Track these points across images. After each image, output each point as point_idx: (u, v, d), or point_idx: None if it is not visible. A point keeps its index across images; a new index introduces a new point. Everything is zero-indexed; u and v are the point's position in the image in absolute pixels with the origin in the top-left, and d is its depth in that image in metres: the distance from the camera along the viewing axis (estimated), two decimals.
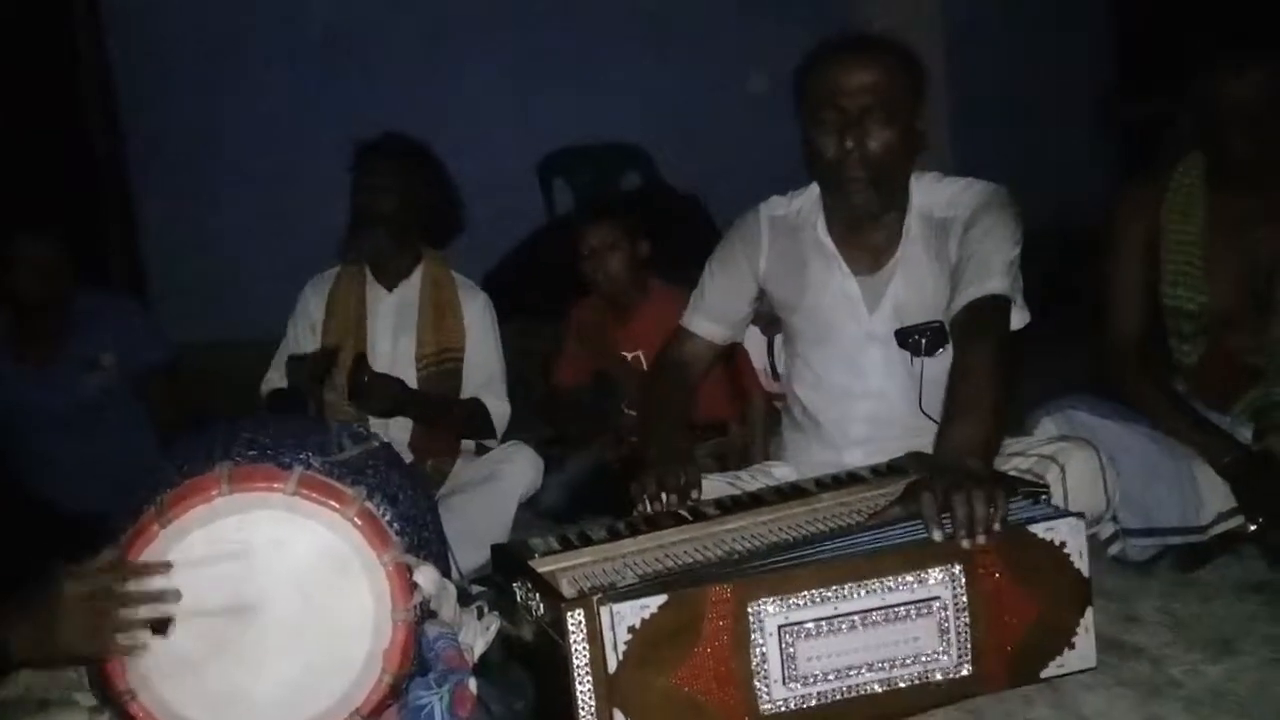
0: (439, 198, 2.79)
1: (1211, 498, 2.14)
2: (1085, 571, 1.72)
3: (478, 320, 2.81)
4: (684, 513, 1.94)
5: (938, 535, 1.65)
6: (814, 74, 2.06)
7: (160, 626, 1.51)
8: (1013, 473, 1.99)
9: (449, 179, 2.84)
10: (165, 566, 1.51)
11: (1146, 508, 2.13)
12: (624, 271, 3.02)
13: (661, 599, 1.56)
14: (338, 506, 1.56)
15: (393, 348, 2.76)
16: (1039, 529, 1.70)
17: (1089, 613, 1.74)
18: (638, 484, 2.00)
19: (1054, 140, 6.13)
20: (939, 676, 1.68)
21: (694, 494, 2.01)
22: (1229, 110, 2.14)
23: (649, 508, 1.98)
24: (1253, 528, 2.11)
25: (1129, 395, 2.26)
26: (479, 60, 5.59)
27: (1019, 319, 2.03)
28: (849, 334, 2.16)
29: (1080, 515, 1.75)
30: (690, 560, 1.73)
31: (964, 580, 1.67)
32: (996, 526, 1.64)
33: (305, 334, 2.83)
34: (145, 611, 1.50)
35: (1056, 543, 1.71)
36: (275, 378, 2.82)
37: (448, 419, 2.77)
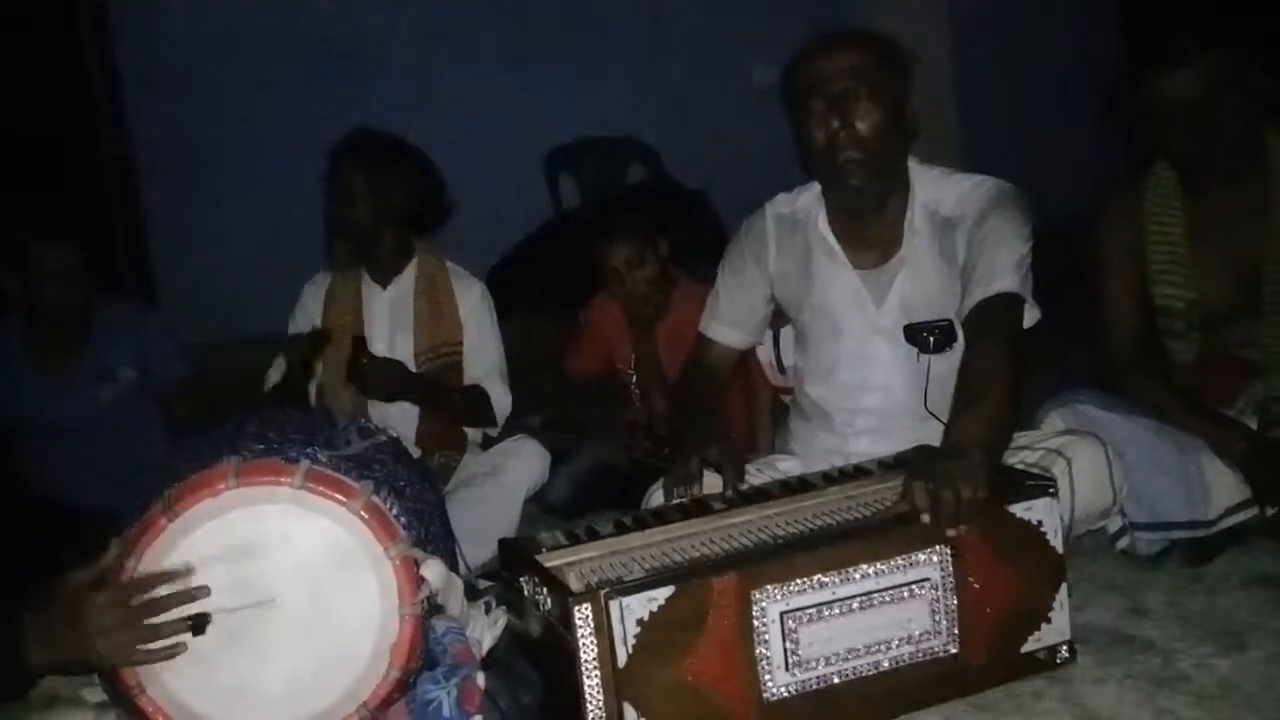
0: (413, 191, 2.70)
1: (1219, 492, 2.13)
2: (1060, 549, 1.78)
3: (475, 310, 2.78)
4: (691, 506, 1.94)
5: (926, 519, 1.69)
6: (797, 71, 2.08)
7: (198, 625, 1.51)
8: (1019, 466, 1.99)
9: (423, 166, 2.76)
10: (188, 571, 1.51)
11: (1153, 501, 2.13)
12: (652, 281, 2.96)
13: (669, 591, 1.56)
14: (344, 500, 1.56)
15: (389, 346, 2.74)
16: (1017, 509, 1.75)
17: (1064, 588, 1.80)
18: (680, 470, 2.01)
19: (1060, 134, 6.11)
20: (929, 656, 1.72)
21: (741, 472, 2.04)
22: (1173, 111, 2.14)
23: (691, 489, 1.99)
24: (1271, 512, 2.11)
25: (1134, 392, 2.26)
26: (481, 57, 5.57)
27: (1030, 317, 2.03)
28: (856, 328, 2.17)
29: (1054, 494, 1.79)
30: (697, 554, 1.73)
31: (950, 560, 1.71)
32: (974, 521, 1.68)
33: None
34: (178, 613, 1.49)
35: (1034, 521, 1.76)
36: (275, 375, 2.82)
37: (448, 404, 2.75)
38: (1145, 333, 2.32)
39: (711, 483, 2.05)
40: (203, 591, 1.50)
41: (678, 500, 1.99)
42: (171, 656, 1.50)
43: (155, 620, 1.48)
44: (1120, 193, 2.37)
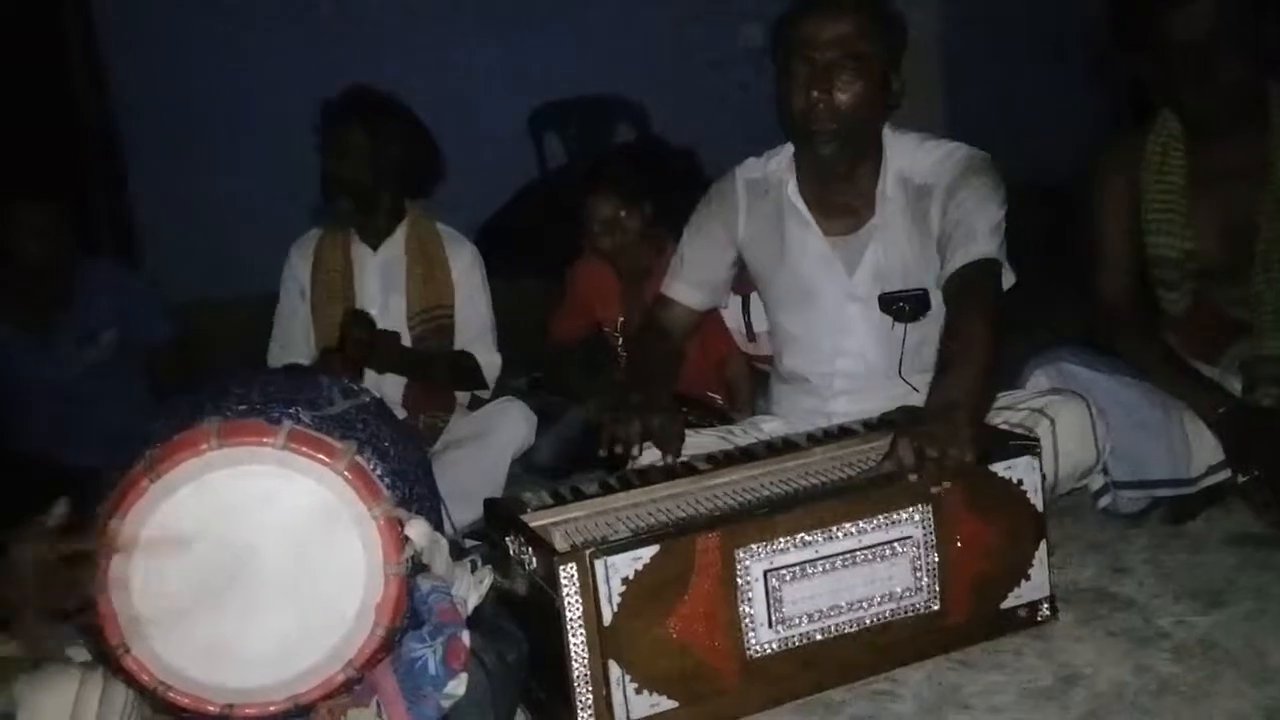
0: (410, 151, 2.69)
1: (1200, 450, 2.15)
2: (1040, 507, 1.81)
3: (466, 272, 2.77)
4: (675, 466, 1.95)
5: (913, 479, 1.70)
6: (787, 26, 2.04)
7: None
8: (1003, 426, 2.00)
9: (420, 128, 2.74)
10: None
11: (1136, 460, 2.14)
12: (636, 238, 2.94)
13: (653, 550, 1.57)
14: (328, 460, 1.55)
15: (382, 309, 2.71)
16: (998, 467, 1.78)
17: (1044, 545, 1.83)
18: (619, 429, 1.98)
19: (1046, 94, 6.09)
20: (911, 613, 1.74)
21: (678, 446, 2.01)
22: (1174, 50, 2.07)
23: (631, 454, 1.98)
24: (1242, 479, 2.12)
25: (1121, 349, 2.26)
26: (469, 15, 5.52)
27: (1006, 280, 2.04)
28: (829, 296, 2.17)
29: (1035, 453, 1.80)
30: (681, 514, 1.74)
31: (932, 518, 1.73)
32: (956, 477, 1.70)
33: (296, 299, 2.80)
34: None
35: (1014, 480, 1.78)
36: (278, 350, 2.81)
37: (439, 374, 2.75)
38: (1137, 288, 2.31)
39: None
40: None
41: (603, 454, 1.98)
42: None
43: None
44: (1122, 137, 2.35)
